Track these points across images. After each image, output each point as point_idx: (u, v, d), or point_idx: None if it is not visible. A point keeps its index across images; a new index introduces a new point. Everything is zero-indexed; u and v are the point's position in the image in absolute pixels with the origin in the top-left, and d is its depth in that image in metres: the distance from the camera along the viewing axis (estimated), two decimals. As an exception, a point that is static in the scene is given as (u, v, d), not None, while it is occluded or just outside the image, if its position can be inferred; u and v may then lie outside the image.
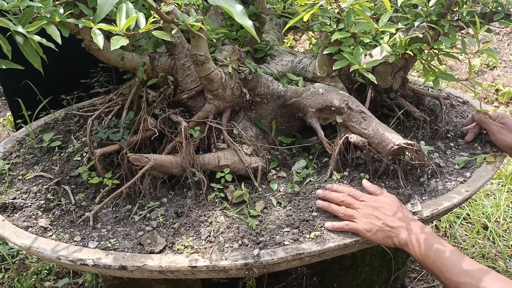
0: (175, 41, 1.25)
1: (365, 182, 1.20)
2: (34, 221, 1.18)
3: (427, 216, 1.15)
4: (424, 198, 1.21)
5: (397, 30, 1.28)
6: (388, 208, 1.10)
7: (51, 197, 1.26)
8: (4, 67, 0.92)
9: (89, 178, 1.26)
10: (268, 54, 1.50)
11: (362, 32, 1.20)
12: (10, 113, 2.76)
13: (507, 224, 2.09)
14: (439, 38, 1.22)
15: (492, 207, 2.16)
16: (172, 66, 1.31)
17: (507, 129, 1.38)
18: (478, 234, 2.04)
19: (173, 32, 1.09)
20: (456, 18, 1.26)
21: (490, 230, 2.03)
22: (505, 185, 2.31)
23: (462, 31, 1.30)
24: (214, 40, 1.25)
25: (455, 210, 2.14)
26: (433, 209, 1.16)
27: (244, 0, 1.62)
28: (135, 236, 1.11)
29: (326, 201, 1.15)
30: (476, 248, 1.96)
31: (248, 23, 0.55)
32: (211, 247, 1.07)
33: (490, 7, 1.30)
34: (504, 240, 2.02)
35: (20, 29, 0.89)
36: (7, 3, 0.95)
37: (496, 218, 2.11)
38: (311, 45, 1.64)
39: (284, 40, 4.04)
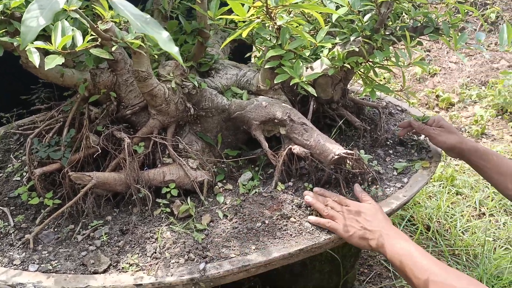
0: (116, 57, 1.24)
1: (356, 187, 1.27)
2: (-29, 246, 1.14)
3: (367, 222, 1.19)
4: (365, 205, 1.26)
5: (335, 44, 1.33)
6: (368, 213, 1.16)
7: (-11, 220, 1.21)
8: None
9: (29, 199, 1.23)
10: (213, 68, 1.52)
11: (299, 47, 1.24)
12: None
13: (448, 224, 2.20)
14: (374, 52, 1.28)
15: (434, 208, 2.27)
16: (114, 82, 1.30)
17: (445, 131, 1.46)
18: (422, 235, 2.14)
19: (113, 49, 1.09)
20: (389, 32, 1.32)
21: (432, 231, 2.13)
22: (446, 187, 2.43)
23: (395, 45, 1.37)
24: (156, 56, 1.26)
25: (399, 212, 2.23)
26: (373, 215, 1.21)
27: (190, 13, 1.64)
28: (78, 257, 1.09)
29: (313, 199, 1.21)
30: (420, 249, 2.05)
31: (173, 50, 0.56)
32: (156, 264, 1.07)
33: (421, 22, 1.38)
34: (446, 239, 2.12)
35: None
36: None
37: (438, 219, 2.22)
38: (255, 58, 1.68)
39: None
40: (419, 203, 2.32)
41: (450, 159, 2.74)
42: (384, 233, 1.12)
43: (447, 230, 2.20)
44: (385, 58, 1.31)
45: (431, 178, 1.41)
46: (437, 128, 1.47)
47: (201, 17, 1.37)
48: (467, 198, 2.41)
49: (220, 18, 1.38)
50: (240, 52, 1.87)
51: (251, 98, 1.40)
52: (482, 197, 2.40)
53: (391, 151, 1.50)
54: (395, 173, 1.40)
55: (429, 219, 2.22)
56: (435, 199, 2.37)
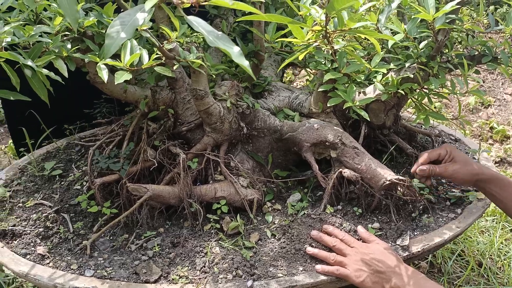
0: (176, 76, 1.30)
1: (360, 228, 1.21)
2: (33, 248, 1.20)
3: (418, 251, 1.17)
4: (416, 233, 1.23)
5: (389, 70, 1.33)
6: (378, 254, 1.11)
7: (50, 225, 1.28)
8: (12, 98, 0.96)
9: (88, 207, 1.29)
10: (266, 90, 1.55)
11: (354, 72, 1.25)
12: (11, 141, 2.80)
13: (501, 261, 2.10)
14: (429, 79, 1.27)
15: (486, 244, 2.17)
16: (172, 100, 1.36)
17: (459, 163, 1.30)
18: (473, 271, 2.04)
19: (174, 68, 1.15)
20: (445, 60, 1.31)
21: (484, 267, 2.04)
22: (500, 222, 2.33)
23: (451, 72, 1.36)
24: (214, 76, 1.31)
25: (449, 246, 2.15)
26: (425, 245, 1.19)
27: (245, 37, 1.70)
28: (131, 265, 1.13)
29: (316, 248, 1.16)
30: (471, 285, 1.96)
31: (245, 63, 0.59)
32: (205, 278, 1.08)
33: (479, 50, 1.37)
34: (499, 277, 2.02)
35: (29, 62, 0.94)
36: (18, 38, 1.00)
37: (491, 255, 2.12)
38: (308, 81, 1.70)
39: (284, 74, 4.13)
40: (470, 237, 2.23)
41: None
42: (397, 273, 1.07)
43: (500, 267, 2.09)
44: (440, 85, 1.30)
45: (485, 211, 1.36)
46: (449, 167, 1.30)
47: (258, 39, 1.42)
48: (523, 235, 2.30)
49: (277, 41, 1.42)
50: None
51: (303, 120, 1.42)
52: (539, 235, 2.27)
53: (443, 180, 1.47)
54: (447, 203, 1.36)
55: (481, 255, 2.12)
56: (488, 235, 2.27)
